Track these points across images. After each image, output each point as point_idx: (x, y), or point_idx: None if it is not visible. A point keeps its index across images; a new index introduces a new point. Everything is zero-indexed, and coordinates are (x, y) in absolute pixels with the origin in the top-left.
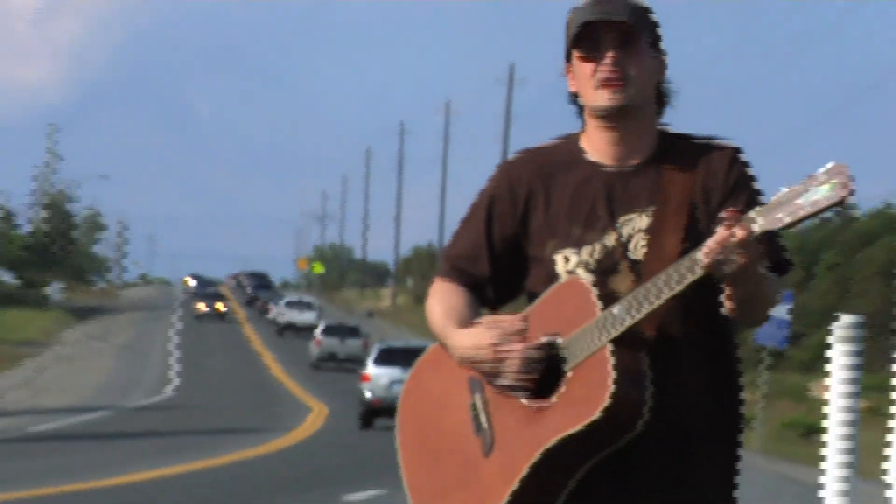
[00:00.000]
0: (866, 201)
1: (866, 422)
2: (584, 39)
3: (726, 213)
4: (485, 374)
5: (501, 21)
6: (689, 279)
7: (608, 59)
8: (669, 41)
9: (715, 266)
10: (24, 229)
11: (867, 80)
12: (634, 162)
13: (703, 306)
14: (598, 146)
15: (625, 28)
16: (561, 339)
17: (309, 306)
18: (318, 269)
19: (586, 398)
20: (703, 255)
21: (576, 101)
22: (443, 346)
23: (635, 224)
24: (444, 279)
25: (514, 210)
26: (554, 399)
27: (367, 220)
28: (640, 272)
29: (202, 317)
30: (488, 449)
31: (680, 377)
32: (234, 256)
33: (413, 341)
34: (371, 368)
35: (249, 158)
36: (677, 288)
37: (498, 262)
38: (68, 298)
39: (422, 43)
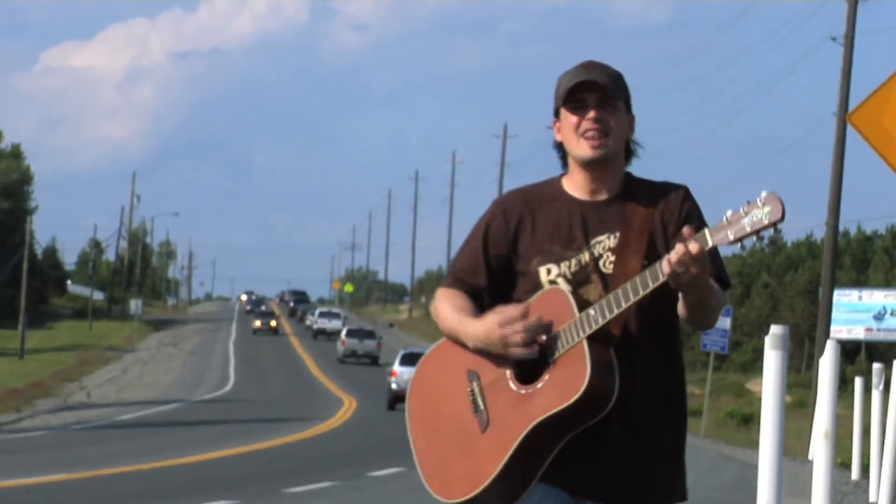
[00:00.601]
0: (793, 233)
1: (792, 413)
2: (573, 98)
3: (683, 230)
4: (495, 351)
5: (497, 88)
6: (651, 287)
7: (591, 114)
8: (639, 105)
9: (673, 276)
10: (111, 257)
11: (792, 136)
12: (605, 196)
13: (657, 312)
14: (577, 185)
15: (605, 91)
16: (543, 337)
17: (336, 316)
18: (349, 288)
19: (567, 384)
20: (665, 265)
21: (560, 148)
22: (455, 336)
23: (605, 244)
24: (449, 288)
25: (506, 233)
26: (539, 385)
27: (389, 249)
28: (609, 283)
29: (257, 331)
30: (485, 426)
31: (637, 368)
32: (280, 278)
33: (428, 349)
34: (397, 367)
35: (294, 198)
36: (641, 294)
37: (493, 276)
38: (146, 313)
39: (432, 104)
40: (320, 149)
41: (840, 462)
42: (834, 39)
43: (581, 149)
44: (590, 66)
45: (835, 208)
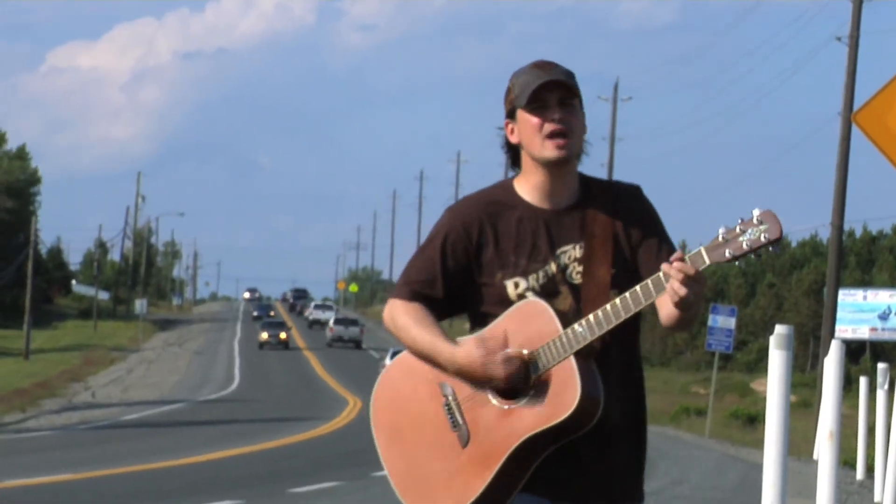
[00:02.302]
0: (797, 233)
1: (797, 412)
2: (534, 99)
3: (674, 257)
4: (475, 382)
5: (502, 89)
6: (644, 305)
7: (556, 115)
8: (644, 106)
9: (680, 301)
10: (116, 256)
11: (797, 136)
12: (564, 204)
13: (628, 325)
14: (534, 189)
15: (568, 90)
16: (525, 352)
17: (329, 308)
18: (354, 288)
19: (558, 400)
20: (676, 294)
21: (512, 149)
22: (426, 357)
23: (570, 254)
24: (406, 301)
25: (467, 246)
26: (523, 401)
27: (394, 249)
28: (580, 294)
29: (264, 345)
30: (465, 441)
31: (612, 379)
32: (285, 278)
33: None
34: (388, 362)
35: (298, 198)
36: (632, 312)
37: (449, 288)
38: (151, 313)
39: (437, 105)
40: (325, 149)
41: (845, 462)
42: (839, 39)
43: (546, 149)
44: (545, 65)
45: (840, 208)
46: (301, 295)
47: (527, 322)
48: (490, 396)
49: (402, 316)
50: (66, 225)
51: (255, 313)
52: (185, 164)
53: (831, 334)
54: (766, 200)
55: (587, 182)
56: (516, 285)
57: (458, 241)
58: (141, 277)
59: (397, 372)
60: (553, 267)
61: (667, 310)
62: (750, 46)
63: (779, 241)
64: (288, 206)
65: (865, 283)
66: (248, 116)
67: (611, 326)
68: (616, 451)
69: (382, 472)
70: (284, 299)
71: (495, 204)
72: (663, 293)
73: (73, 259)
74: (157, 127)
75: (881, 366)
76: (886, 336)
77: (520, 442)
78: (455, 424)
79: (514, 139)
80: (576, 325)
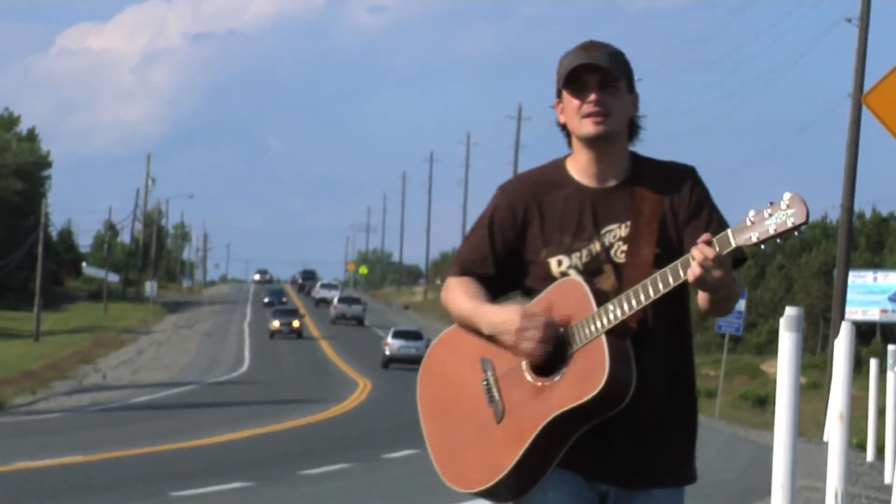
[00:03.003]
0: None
1: (807, 394)
2: (573, 80)
3: (703, 236)
4: (508, 341)
5: (513, 70)
6: (672, 285)
7: (592, 97)
8: (654, 87)
9: (699, 280)
10: (126, 239)
11: (808, 117)
12: (612, 182)
13: (672, 304)
14: (582, 167)
15: (605, 73)
16: (561, 329)
17: (335, 287)
18: (364, 271)
19: (587, 378)
20: (690, 274)
21: (564, 128)
22: (468, 322)
23: (616, 233)
24: (459, 277)
25: (513, 222)
26: (557, 378)
27: (403, 231)
28: (622, 273)
29: (275, 334)
30: (500, 416)
31: (653, 359)
32: (295, 260)
33: (411, 327)
34: (390, 340)
35: (308, 180)
36: (661, 292)
37: (500, 265)
38: (161, 295)
39: (447, 87)
40: (335, 131)
41: (855, 443)
42: (849, 21)
43: (584, 127)
44: (590, 46)
45: (850, 190)
46: (309, 276)
47: (563, 300)
48: (526, 373)
49: (453, 289)
50: (77, 207)
51: (266, 299)
52: (195, 147)
53: (841, 316)
54: (775, 182)
55: (638, 161)
56: (559, 263)
57: (504, 219)
58: (151, 260)
59: (444, 347)
60: (597, 245)
61: (701, 293)
62: (760, 28)
63: (804, 226)
64: (298, 187)
65: (875, 265)
66: (258, 98)
67: (641, 306)
68: (656, 434)
69: (392, 454)
70: (294, 281)
71: (544, 182)
72: None
73: (84, 241)
74: (168, 109)
75: (892, 347)
76: None
77: (549, 419)
78: (492, 400)
79: (562, 119)
80: (609, 304)
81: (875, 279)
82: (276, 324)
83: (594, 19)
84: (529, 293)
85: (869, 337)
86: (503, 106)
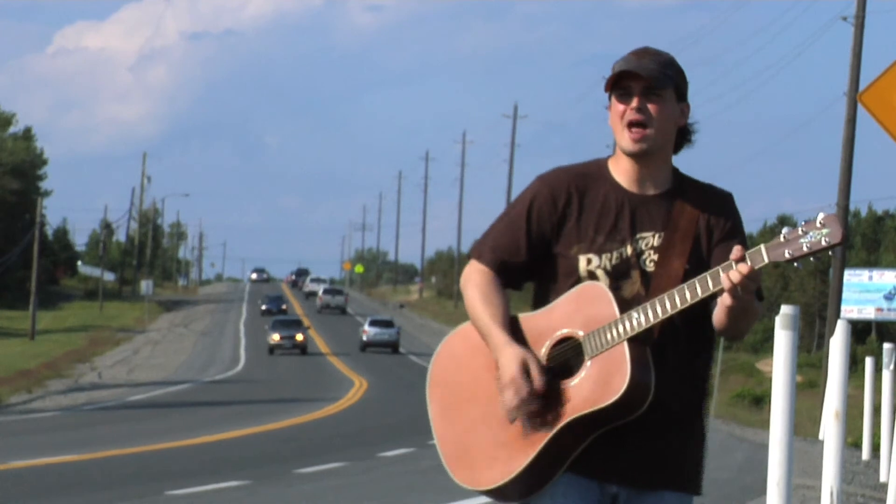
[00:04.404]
0: (803, 213)
1: (803, 392)
2: (618, 86)
3: (736, 249)
4: (499, 379)
5: (507, 69)
6: (700, 297)
7: (634, 103)
8: None
9: (729, 291)
10: (122, 237)
11: (803, 116)
12: (653, 191)
13: (694, 316)
14: (623, 171)
15: (648, 81)
16: (581, 333)
17: (324, 281)
18: (360, 269)
19: (607, 383)
20: (726, 280)
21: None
22: (479, 330)
23: (649, 241)
24: (486, 267)
25: (552, 213)
26: (574, 381)
27: (399, 229)
28: (650, 282)
29: (275, 349)
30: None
31: (670, 367)
32: (291, 259)
33: (385, 317)
34: (367, 327)
35: (304, 179)
36: (688, 303)
37: (532, 254)
38: (157, 293)
39: (443, 86)
40: (331, 130)
41: (851, 442)
42: (845, 19)
43: (623, 140)
44: (641, 53)
45: (845, 188)
46: (303, 273)
47: (586, 305)
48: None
49: (473, 288)
50: (73, 206)
51: (264, 307)
52: (191, 145)
53: (837, 314)
54: (771, 180)
55: (682, 178)
56: (588, 261)
57: (543, 206)
58: (146, 258)
59: (458, 340)
60: (629, 249)
61: (720, 315)
62: (756, 26)
63: (839, 246)
64: (294, 186)
65: (871, 263)
66: (255, 97)
67: (666, 315)
68: (668, 440)
69: (388, 453)
70: (289, 279)
71: (586, 177)
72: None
73: (79, 240)
74: (164, 108)
75: (887, 346)
76: (892, 316)
77: (565, 422)
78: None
79: (610, 122)
80: (633, 312)
81: (871, 277)
82: (275, 337)
83: (590, 18)
84: (548, 289)
85: (864, 335)
86: (499, 105)
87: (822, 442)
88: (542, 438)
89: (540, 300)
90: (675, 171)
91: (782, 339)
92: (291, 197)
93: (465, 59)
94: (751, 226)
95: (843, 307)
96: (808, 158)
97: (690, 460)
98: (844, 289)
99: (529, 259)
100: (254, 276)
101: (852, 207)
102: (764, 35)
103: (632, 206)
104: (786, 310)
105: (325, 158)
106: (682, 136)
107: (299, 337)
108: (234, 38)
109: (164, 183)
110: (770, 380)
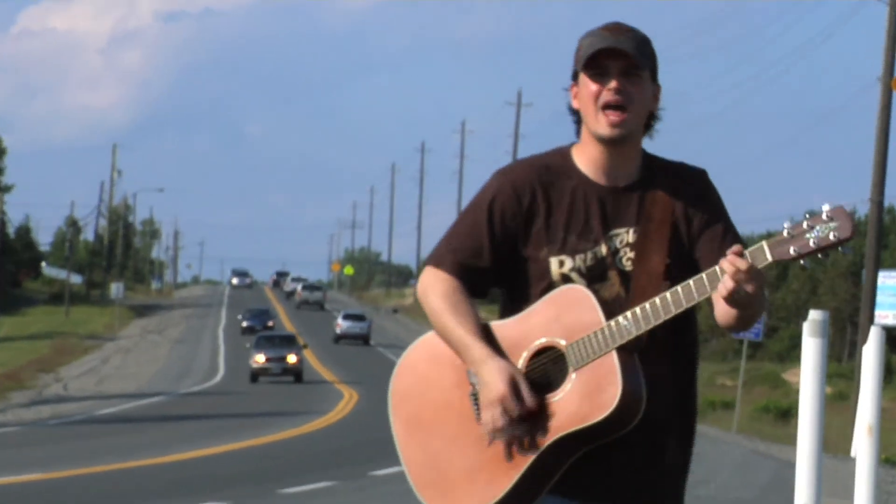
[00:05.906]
0: None
1: (833, 405)
2: (593, 64)
3: (733, 248)
4: (481, 395)
5: (510, 52)
6: (696, 300)
7: (613, 84)
8: (668, 72)
9: (730, 296)
10: (89, 236)
11: (833, 103)
12: (623, 182)
13: (678, 318)
14: (591, 160)
15: (630, 59)
16: (564, 342)
17: (305, 280)
18: (350, 271)
19: (598, 397)
20: (723, 289)
21: (576, 113)
22: (448, 342)
23: (623, 238)
24: (447, 274)
25: (517, 211)
26: (559, 396)
27: (392, 227)
28: (630, 282)
29: (259, 375)
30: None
31: (657, 377)
32: (274, 260)
33: (357, 311)
34: (340, 321)
35: (289, 173)
36: (683, 308)
37: (496, 257)
38: (128, 297)
39: (441, 71)
40: (320, 119)
41: (885, 459)
42: None
43: (599, 125)
44: (616, 29)
45: (880, 182)
46: (283, 274)
47: (567, 310)
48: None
49: (436, 298)
50: (36, 201)
51: (245, 323)
52: (166, 135)
53: (870, 320)
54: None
55: (651, 160)
56: (561, 264)
57: (507, 204)
58: (117, 259)
59: (421, 355)
60: (604, 249)
61: (721, 307)
62: (782, 6)
63: (849, 241)
64: (278, 180)
65: None
66: (236, 82)
67: (658, 322)
68: (657, 452)
69: (380, 472)
70: (271, 280)
71: (551, 171)
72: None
73: (43, 239)
74: (137, 94)
75: None
76: None
77: (551, 441)
78: (481, 416)
79: (575, 104)
80: (620, 318)
81: None
82: (260, 359)
83: None
84: (520, 296)
85: None
86: (501, 91)
87: (853, 459)
88: (526, 460)
89: (510, 308)
90: (646, 156)
91: (810, 348)
92: (275, 192)
93: (464, 42)
94: (774, 224)
95: (878, 312)
96: (839, 150)
97: (678, 474)
98: (878, 292)
99: (494, 263)
100: (235, 280)
101: (887, 203)
102: (790, 16)
103: (602, 200)
104: (814, 315)
105: (312, 150)
106: (649, 121)
107: (291, 359)
108: (214, 18)
109: (136, 176)
110: (797, 391)
